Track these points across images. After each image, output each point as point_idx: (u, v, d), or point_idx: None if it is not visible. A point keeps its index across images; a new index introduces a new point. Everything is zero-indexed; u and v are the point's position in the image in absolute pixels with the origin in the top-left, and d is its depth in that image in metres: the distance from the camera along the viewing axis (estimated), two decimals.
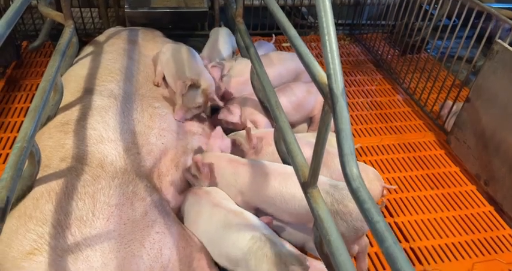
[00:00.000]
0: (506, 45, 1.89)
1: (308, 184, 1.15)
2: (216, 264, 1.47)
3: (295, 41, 1.16)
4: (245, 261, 1.29)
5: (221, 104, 2.01)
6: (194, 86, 1.89)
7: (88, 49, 2.27)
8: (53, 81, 1.52)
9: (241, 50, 2.30)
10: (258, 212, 1.62)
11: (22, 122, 2.24)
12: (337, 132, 0.91)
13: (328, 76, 0.92)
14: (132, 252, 1.30)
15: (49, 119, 1.73)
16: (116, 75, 1.98)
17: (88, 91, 1.84)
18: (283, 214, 1.56)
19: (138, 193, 1.46)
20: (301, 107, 2.17)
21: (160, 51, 2.18)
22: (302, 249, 1.65)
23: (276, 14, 1.32)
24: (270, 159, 1.83)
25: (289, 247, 1.31)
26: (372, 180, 1.74)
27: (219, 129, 1.82)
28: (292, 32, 1.21)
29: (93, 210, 1.33)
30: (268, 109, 1.97)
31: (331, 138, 2.10)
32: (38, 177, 1.43)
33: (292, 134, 1.36)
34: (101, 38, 2.37)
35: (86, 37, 2.83)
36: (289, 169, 1.48)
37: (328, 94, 0.93)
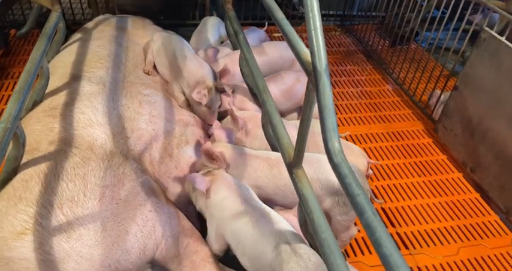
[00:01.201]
0: (493, 33, 1.91)
1: (293, 164, 1.16)
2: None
3: (281, 22, 1.17)
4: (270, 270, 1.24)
5: (230, 91, 2.02)
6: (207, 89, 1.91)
7: (76, 36, 2.25)
8: (38, 64, 1.51)
9: (231, 37, 2.30)
10: (268, 203, 1.61)
11: (3, 109, 2.23)
12: (320, 108, 0.91)
13: (312, 53, 0.93)
14: (126, 229, 1.31)
15: (36, 103, 1.72)
16: (105, 61, 1.97)
17: (76, 77, 1.83)
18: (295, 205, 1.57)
19: (129, 175, 1.46)
20: (291, 95, 2.18)
21: (151, 40, 2.17)
22: None
23: None
24: (261, 143, 1.84)
25: (317, 260, 1.20)
26: (357, 156, 1.78)
27: (216, 121, 1.83)
28: (279, 14, 1.21)
29: (84, 191, 1.33)
30: (257, 95, 1.99)
31: (316, 124, 2.13)
32: (26, 160, 1.43)
33: (278, 117, 1.37)
34: (89, 25, 2.35)
35: (75, 26, 2.81)
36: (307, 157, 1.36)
37: (311, 72, 0.94)
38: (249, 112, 1.90)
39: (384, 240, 0.71)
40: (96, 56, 1.99)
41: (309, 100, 1.01)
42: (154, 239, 1.32)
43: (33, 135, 1.55)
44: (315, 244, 1.25)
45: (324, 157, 1.54)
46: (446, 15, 2.38)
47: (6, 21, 2.91)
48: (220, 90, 2.02)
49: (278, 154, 1.61)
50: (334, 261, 0.90)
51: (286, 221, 1.37)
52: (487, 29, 1.94)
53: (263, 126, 1.64)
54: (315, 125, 2.06)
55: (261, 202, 1.45)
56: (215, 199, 1.44)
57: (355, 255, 1.73)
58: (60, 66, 1.93)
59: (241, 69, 1.98)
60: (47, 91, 1.77)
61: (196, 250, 1.43)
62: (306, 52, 1.00)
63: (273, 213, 1.38)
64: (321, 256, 0.94)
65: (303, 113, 1.05)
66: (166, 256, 1.36)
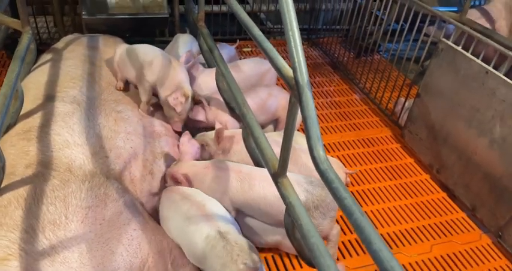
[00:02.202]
0: (450, 43, 2.07)
1: (278, 174, 1.21)
2: None
3: (259, 38, 1.23)
4: (203, 259, 1.33)
5: (206, 103, 2.05)
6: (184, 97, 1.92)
7: (47, 56, 2.22)
8: (14, 86, 1.50)
9: (204, 54, 2.35)
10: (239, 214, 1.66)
11: None
12: (304, 119, 0.98)
13: (294, 69, 1.00)
14: (111, 249, 1.30)
15: (9, 127, 1.68)
16: (78, 81, 1.96)
17: (49, 98, 1.81)
18: (266, 217, 1.61)
19: (111, 195, 1.46)
20: (265, 108, 2.25)
21: (114, 54, 2.15)
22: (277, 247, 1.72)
23: (239, 15, 1.39)
24: (238, 158, 1.88)
25: (244, 244, 1.34)
26: (335, 169, 1.84)
27: (186, 134, 1.85)
28: (256, 31, 1.28)
29: (66, 214, 1.32)
30: (234, 109, 2.04)
31: (297, 137, 2.20)
32: (3, 185, 1.40)
33: (260, 129, 1.43)
34: (59, 45, 2.33)
35: (41, 46, 2.76)
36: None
37: (294, 86, 1.01)
38: (231, 131, 1.93)
39: (373, 238, 0.78)
40: (68, 76, 1.98)
41: (292, 112, 1.07)
42: (140, 257, 1.33)
43: (8, 159, 1.50)
44: (302, 249, 1.30)
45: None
46: (406, 28, 2.55)
47: None
48: (196, 102, 2.04)
49: (249, 168, 1.67)
50: (325, 262, 0.95)
51: (222, 211, 1.49)
52: (444, 39, 2.10)
53: (244, 140, 1.69)
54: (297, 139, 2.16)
55: (201, 197, 1.55)
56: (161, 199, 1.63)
57: (337, 259, 1.80)
58: (33, 88, 1.90)
59: (217, 85, 2.03)
60: (20, 113, 1.74)
61: (183, 264, 1.45)
62: (287, 68, 1.07)
63: (209, 206, 1.49)
64: (312, 260, 0.98)
65: (287, 124, 1.11)
66: None
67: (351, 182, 2.22)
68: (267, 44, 1.20)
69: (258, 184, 1.59)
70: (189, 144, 1.84)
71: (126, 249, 1.32)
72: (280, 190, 1.20)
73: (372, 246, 0.77)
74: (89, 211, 1.35)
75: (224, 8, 3.31)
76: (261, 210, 1.59)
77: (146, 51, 2.06)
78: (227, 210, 1.62)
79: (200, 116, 2.08)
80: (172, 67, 2.01)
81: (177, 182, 1.68)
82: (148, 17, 2.69)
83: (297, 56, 0.99)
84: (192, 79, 2.17)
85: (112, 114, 1.85)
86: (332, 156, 2.38)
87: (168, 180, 1.73)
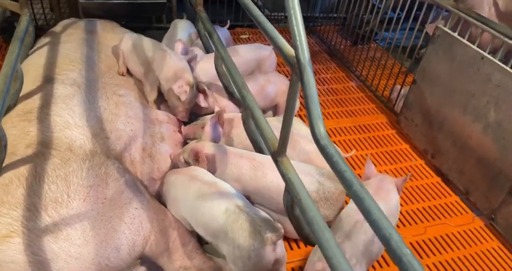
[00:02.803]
0: (446, 29, 2.09)
1: (278, 153, 1.24)
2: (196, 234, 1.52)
3: (259, 18, 1.24)
4: (223, 233, 1.35)
5: (208, 90, 2.06)
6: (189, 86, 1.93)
7: (44, 40, 2.22)
8: (14, 67, 1.50)
9: (202, 38, 2.35)
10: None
11: None
12: (306, 98, 1.00)
13: (295, 48, 1.01)
14: (113, 228, 1.33)
15: (10, 108, 1.69)
16: (77, 64, 1.96)
17: (49, 80, 1.82)
18: (276, 205, 1.64)
19: (112, 174, 1.48)
20: (264, 94, 2.26)
21: (120, 41, 2.17)
22: None
23: None
24: (237, 141, 1.90)
25: (263, 215, 1.39)
26: None
27: (214, 118, 1.85)
28: (256, 11, 1.29)
29: (68, 192, 1.34)
30: (233, 94, 2.06)
31: (294, 122, 2.22)
32: (4, 165, 1.41)
33: (259, 111, 1.44)
34: (57, 28, 2.32)
35: (38, 31, 2.74)
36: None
37: (295, 64, 1.02)
38: (231, 114, 1.95)
39: (373, 208, 0.80)
40: (67, 59, 1.98)
41: (293, 91, 1.09)
42: (142, 235, 1.35)
43: (9, 140, 1.52)
44: (300, 227, 1.33)
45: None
46: (402, 16, 2.56)
47: None
48: (200, 90, 2.07)
49: (262, 156, 1.69)
50: (323, 235, 0.98)
51: (234, 189, 1.52)
52: (440, 26, 2.12)
53: (244, 122, 1.71)
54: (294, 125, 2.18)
55: (209, 177, 1.58)
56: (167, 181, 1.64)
57: None
58: (32, 70, 1.90)
59: (216, 69, 2.04)
60: (20, 95, 1.75)
61: (185, 243, 1.47)
62: (288, 47, 1.08)
63: (220, 184, 1.52)
64: (311, 235, 1.02)
65: (287, 103, 1.13)
66: (156, 251, 1.39)
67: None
68: (268, 24, 1.21)
69: (270, 173, 1.61)
70: (214, 127, 1.85)
71: (128, 227, 1.34)
72: (279, 168, 1.23)
73: (371, 215, 0.80)
74: (91, 190, 1.37)
75: None
76: (272, 198, 1.62)
77: (151, 47, 2.07)
78: None
79: (204, 102, 2.10)
80: (170, 58, 2.01)
81: (197, 160, 1.68)
82: (145, 2, 2.68)
83: (298, 34, 1.00)
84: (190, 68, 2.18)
85: (113, 97, 1.86)
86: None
87: (180, 160, 1.74)
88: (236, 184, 1.65)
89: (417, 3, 2.48)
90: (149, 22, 3.06)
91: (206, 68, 2.19)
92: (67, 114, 1.64)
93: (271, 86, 2.29)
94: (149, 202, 1.47)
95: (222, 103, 2.08)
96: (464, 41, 1.97)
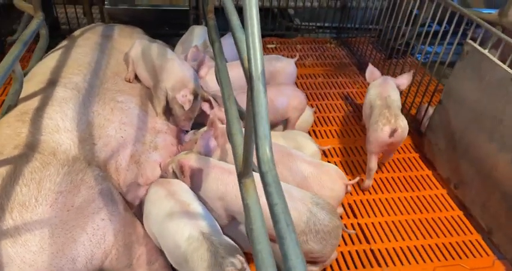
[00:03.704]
0: (476, 45, 1.87)
1: (242, 174, 1.13)
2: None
3: (234, 27, 1.15)
4: (184, 261, 1.26)
5: (215, 103, 2.02)
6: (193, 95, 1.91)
7: (63, 43, 2.28)
8: (8, 68, 1.53)
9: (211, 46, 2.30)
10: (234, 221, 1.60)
11: None
12: (254, 116, 0.89)
13: (248, 60, 0.91)
14: (73, 237, 1.29)
15: (10, 108, 1.73)
16: (84, 68, 1.98)
17: (52, 82, 1.85)
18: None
19: (88, 182, 1.45)
20: (273, 108, 2.15)
21: (131, 48, 2.17)
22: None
23: (224, 2, 1.31)
24: (231, 157, 1.81)
25: (229, 245, 1.27)
26: (334, 179, 1.70)
27: (210, 131, 1.79)
28: (235, 19, 1.20)
29: (37, 196, 1.33)
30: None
31: (303, 138, 2.07)
32: None
33: (238, 126, 1.34)
34: (77, 32, 2.38)
35: (69, 34, 2.86)
36: None
37: (248, 78, 0.92)
38: (223, 126, 1.87)
39: (291, 253, 0.68)
40: (76, 63, 2.01)
41: (248, 108, 0.98)
42: (103, 248, 1.30)
43: (0, 139, 1.55)
44: None
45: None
46: (441, 30, 2.33)
47: (3, 28, 2.99)
48: (205, 100, 2.02)
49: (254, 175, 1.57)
50: None
51: (206, 213, 1.42)
52: (470, 41, 1.89)
53: (228, 136, 1.62)
54: (297, 137, 2.04)
55: (186, 196, 1.49)
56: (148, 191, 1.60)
57: None
58: (40, 73, 1.95)
59: (217, 79, 1.97)
60: (22, 96, 1.79)
61: (151, 261, 1.40)
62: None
63: (193, 206, 1.42)
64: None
65: (246, 120, 1.03)
66: (116, 266, 1.34)
67: (356, 191, 2.08)
68: (239, 35, 1.12)
69: (258, 193, 1.49)
70: (207, 139, 1.79)
71: (89, 239, 1.30)
72: (241, 190, 1.12)
73: (288, 261, 0.67)
74: (60, 196, 1.34)
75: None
76: None
77: (159, 54, 2.06)
78: (219, 216, 1.56)
79: (208, 109, 2.04)
80: (176, 66, 1.98)
81: (182, 173, 1.62)
82: (168, 8, 2.70)
83: (253, 47, 0.90)
84: (198, 77, 2.14)
85: (110, 103, 1.85)
86: (342, 162, 2.25)
87: (176, 169, 1.68)
88: (219, 203, 1.56)
89: (457, 16, 2.24)
90: (175, 28, 3.08)
91: (213, 79, 2.13)
92: (59, 118, 1.65)
93: (282, 99, 2.18)
94: (119, 214, 1.42)
95: (222, 115, 2.00)
96: (494, 59, 1.74)
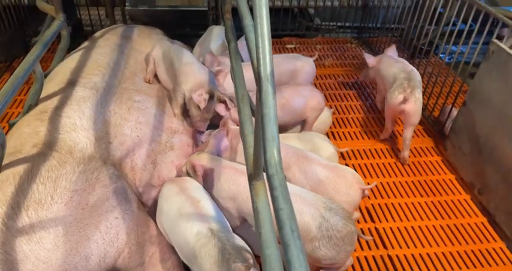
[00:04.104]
0: (502, 45, 1.78)
1: (252, 176, 1.11)
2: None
3: (247, 28, 1.13)
4: (193, 257, 1.26)
5: (231, 104, 2.02)
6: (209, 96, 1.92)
7: (84, 44, 2.33)
8: (28, 69, 1.56)
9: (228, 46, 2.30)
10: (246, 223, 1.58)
11: (19, 113, 2.32)
12: (262, 117, 0.87)
13: (257, 60, 0.89)
14: (87, 235, 1.31)
15: (30, 107, 1.78)
16: (103, 68, 2.01)
17: (72, 83, 1.88)
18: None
19: (102, 180, 1.46)
20: (289, 108, 2.13)
21: (153, 49, 2.20)
22: None
23: (238, 3, 1.30)
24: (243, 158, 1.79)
25: (237, 243, 1.27)
26: (350, 184, 1.65)
27: (222, 130, 1.81)
28: (248, 21, 1.18)
29: (53, 194, 1.35)
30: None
31: (319, 140, 2.03)
32: (8, 162, 1.47)
33: (250, 127, 1.33)
34: (98, 33, 2.43)
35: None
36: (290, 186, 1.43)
37: (256, 79, 0.90)
38: (237, 128, 1.85)
39: (295, 261, 0.66)
40: (95, 64, 2.05)
41: (257, 109, 0.96)
42: (116, 247, 1.31)
43: (20, 138, 1.59)
44: None
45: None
46: (466, 28, 2.24)
47: (28, 30, 3.07)
48: (221, 101, 2.02)
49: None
50: None
51: (216, 210, 1.42)
52: (495, 41, 1.81)
53: (241, 136, 1.60)
54: (314, 139, 2.00)
55: (197, 193, 1.49)
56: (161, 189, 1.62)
57: None
58: (61, 73, 1.99)
59: (232, 80, 1.96)
60: (43, 95, 1.83)
61: (164, 259, 1.41)
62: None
63: (203, 202, 1.43)
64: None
65: (256, 121, 1.01)
66: (129, 264, 1.34)
67: (374, 194, 2.02)
68: (251, 35, 1.10)
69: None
70: (220, 139, 1.79)
71: (102, 237, 1.31)
72: (251, 193, 1.10)
73: (291, 269, 0.65)
74: (75, 195, 1.36)
75: (270, 3, 3.23)
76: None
77: (179, 57, 2.08)
78: (231, 217, 1.55)
79: (224, 112, 2.03)
80: (195, 70, 2.00)
81: (195, 172, 1.63)
82: (187, 9, 2.71)
83: (262, 46, 0.88)
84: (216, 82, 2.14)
85: (127, 102, 1.87)
86: (360, 164, 2.20)
87: (183, 170, 1.70)
88: (231, 203, 1.55)
89: (482, 15, 2.16)
90: (196, 29, 3.10)
91: (230, 81, 2.13)
92: (77, 116, 1.67)
93: (299, 99, 2.14)
94: (133, 213, 1.43)
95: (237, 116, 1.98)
96: None
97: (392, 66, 2.32)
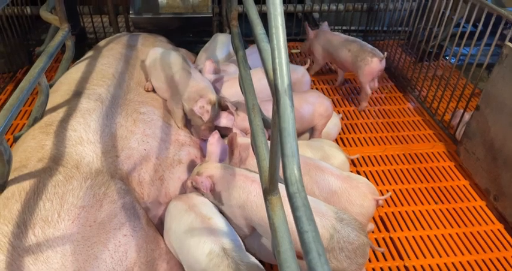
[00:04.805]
0: None
1: (268, 190, 1.07)
2: None
3: (258, 37, 1.10)
4: None
5: (233, 109, 1.97)
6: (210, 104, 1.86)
7: (88, 54, 2.30)
8: (33, 81, 1.53)
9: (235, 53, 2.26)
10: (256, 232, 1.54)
11: (24, 124, 2.29)
12: (280, 132, 0.83)
13: (274, 71, 0.85)
14: (95, 254, 1.26)
15: (36, 120, 1.74)
16: (108, 79, 1.98)
17: (77, 94, 1.85)
18: None
19: (110, 196, 1.43)
20: (298, 116, 2.08)
21: (147, 57, 2.15)
22: None
23: (248, 11, 1.27)
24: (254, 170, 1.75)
25: (251, 262, 1.22)
26: (364, 195, 1.59)
27: (215, 134, 1.75)
28: (259, 30, 1.15)
29: (60, 211, 1.31)
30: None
31: (331, 148, 1.98)
32: (14, 177, 1.43)
33: (263, 138, 1.29)
34: (102, 43, 2.40)
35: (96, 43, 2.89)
36: None
37: (273, 92, 0.86)
38: (246, 140, 1.81)
39: None
40: (100, 74, 2.01)
41: (275, 121, 0.92)
42: (125, 266, 1.26)
43: (26, 152, 1.56)
44: None
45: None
46: (477, 31, 2.19)
47: (31, 40, 3.05)
48: (223, 107, 1.97)
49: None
50: None
51: (228, 227, 1.38)
52: (509, 44, 1.77)
53: (252, 147, 1.56)
54: (324, 146, 1.95)
55: (207, 210, 1.44)
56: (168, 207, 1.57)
57: None
58: (65, 83, 1.96)
59: (240, 88, 1.92)
60: (48, 107, 1.80)
61: None
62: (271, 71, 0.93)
63: (214, 220, 1.39)
64: None
65: (272, 134, 0.97)
66: None
67: (387, 202, 1.97)
68: (264, 44, 1.06)
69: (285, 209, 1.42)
70: (217, 144, 1.74)
71: (111, 255, 1.27)
72: (267, 208, 1.06)
73: None
74: (82, 211, 1.32)
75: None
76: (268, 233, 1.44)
77: (172, 64, 2.02)
78: (240, 226, 1.50)
79: (224, 121, 1.98)
80: (192, 78, 1.94)
81: (194, 187, 1.59)
82: (192, 16, 2.68)
83: (278, 57, 0.84)
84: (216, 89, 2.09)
85: (133, 114, 1.83)
86: (372, 171, 2.15)
87: (188, 185, 1.65)
88: (239, 211, 1.50)
89: (494, 16, 2.11)
90: (200, 36, 3.07)
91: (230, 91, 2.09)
92: (82, 129, 1.64)
93: (308, 107, 2.10)
94: (142, 230, 1.39)
95: (246, 125, 1.94)
96: None
97: (335, 39, 2.66)
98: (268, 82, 0.95)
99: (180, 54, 2.12)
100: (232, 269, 1.17)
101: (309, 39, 2.82)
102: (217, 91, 2.07)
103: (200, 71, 2.15)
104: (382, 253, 1.73)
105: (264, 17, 0.94)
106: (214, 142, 1.73)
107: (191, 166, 1.79)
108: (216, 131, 1.78)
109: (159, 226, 1.56)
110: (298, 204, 0.75)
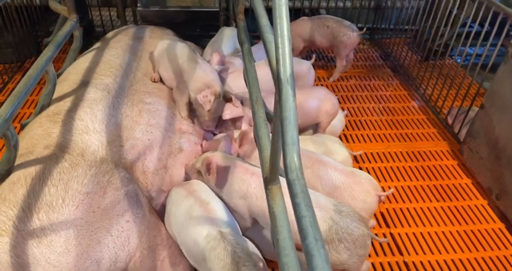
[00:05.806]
0: None
1: (268, 180, 1.08)
2: None
3: (263, 28, 1.11)
4: (202, 260, 1.24)
5: (238, 103, 1.98)
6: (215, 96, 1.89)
7: (96, 45, 2.32)
8: (41, 69, 1.55)
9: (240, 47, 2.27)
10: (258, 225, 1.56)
11: (31, 113, 2.32)
12: (281, 121, 0.84)
13: (277, 61, 0.86)
14: (98, 239, 1.29)
15: (43, 108, 1.77)
16: (116, 70, 2.00)
17: (84, 84, 1.87)
18: None
19: (114, 183, 1.45)
20: (303, 111, 2.09)
21: (155, 48, 2.18)
22: None
23: (254, 3, 1.28)
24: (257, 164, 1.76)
25: (247, 246, 1.24)
26: (367, 190, 1.60)
27: (233, 133, 1.79)
28: (264, 21, 1.16)
29: (64, 197, 1.33)
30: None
31: (333, 143, 1.99)
32: (20, 163, 1.46)
33: (266, 130, 1.30)
34: (110, 34, 2.42)
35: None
36: None
37: (275, 81, 0.87)
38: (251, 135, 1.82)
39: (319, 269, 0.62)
40: (108, 65, 2.03)
41: (276, 111, 0.93)
42: (127, 251, 1.29)
43: (32, 139, 1.58)
44: None
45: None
46: (483, 30, 2.19)
47: (40, 31, 3.08)
48: (227, 100, 1.99)
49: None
50: None
51: (226, 212, 1.42)
52: None
53: (255, 139, 1.57)
54: (327, 142, 1.96)
55: (206, 195, 1.47)
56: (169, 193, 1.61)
57: None
58: (73, 73, 1.99)
59: (245, 81, 1.93)
60: (55, 96, 1.82)
61: (175, 263, 1.38)
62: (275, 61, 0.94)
63: (212, 205, 1.42)
64: None
65: (274, 123, 0.98)
66: (140, 268, 1.32)
67: (389, 199, 1.98)
68: (268, 35, 1.07)
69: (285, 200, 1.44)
70: (228, 143, 1.77)
71: (113, 241, 1.29)
72: (267, 197, 1.07)
73: None
74: (86, 198, 1.34)
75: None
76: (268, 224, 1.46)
77: (181, 56, 2.04)
78: (242, 217, 1.52)
79: (227, 114, 2.00)
80: (200, 69, 1.97)
81: (208, 171, 1.60)
82: (199, 10, 2.69)
83: (282, 47, 0.85)
84: (222, 80, 2.11)
85: (139, 104, 1.85)
86: (374, 168, 2.16)
87: (189, 168, 1.67)
88: (242, 202, 1.52)
89: (501, 16, 2.10)
90: (207, 30, 3.08)
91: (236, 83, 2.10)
92: (89, 119, 1.66)
93: (314, 102, 2.10)
94: (144, 216, 1.41)
95: (250, 114, 1.95)
96: None
97: (306, 23, 2.78)
98: (272, 72, 0.97)
99: (197, 48, 2.14)
100: (228, 251, 1.20)
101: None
102: (223, 81, 2.09)
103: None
104: (382, 249, 1.74)
105: (270, 12, 0.94)
106: (226, 142, 1.75)
107: (192, 151, 1.82)
108: (239, 136, 1.80)
109: (162, 213, 1.58)
110: (297, 190, 0.77)
